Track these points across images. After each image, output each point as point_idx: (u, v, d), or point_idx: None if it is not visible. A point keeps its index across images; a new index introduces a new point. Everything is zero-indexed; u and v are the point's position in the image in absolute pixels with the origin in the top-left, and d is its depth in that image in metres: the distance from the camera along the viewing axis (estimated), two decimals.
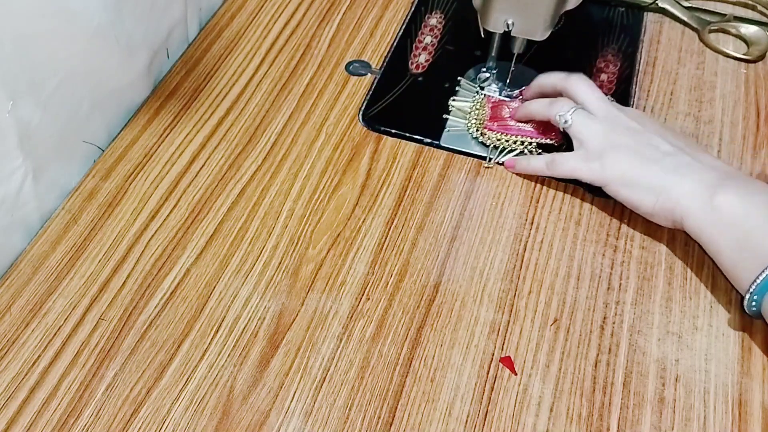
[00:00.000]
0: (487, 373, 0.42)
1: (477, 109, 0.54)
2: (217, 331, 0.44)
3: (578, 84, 0.49)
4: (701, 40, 0.61)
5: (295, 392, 0.42)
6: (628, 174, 0.45)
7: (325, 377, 0.42)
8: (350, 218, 0.50)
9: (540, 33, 0.50)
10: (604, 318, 0.45)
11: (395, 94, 0.58)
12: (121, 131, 0.56)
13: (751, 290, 0.41)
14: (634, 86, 0.57)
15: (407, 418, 0.41)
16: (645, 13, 0.64)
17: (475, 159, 0.53)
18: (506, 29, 0.50)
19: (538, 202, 0.51)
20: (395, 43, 0.62)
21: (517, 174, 0.52)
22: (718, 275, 0.46)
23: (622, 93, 0.57)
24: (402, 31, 0.63)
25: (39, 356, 0.43)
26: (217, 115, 0.57)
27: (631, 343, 0.43)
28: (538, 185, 0.52)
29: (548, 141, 0.51)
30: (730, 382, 0.42)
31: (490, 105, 0.54)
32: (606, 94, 0.49)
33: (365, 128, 0.56)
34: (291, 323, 0.45)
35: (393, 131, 0.55)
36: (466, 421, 0.41)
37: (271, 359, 0.43)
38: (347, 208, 0.50)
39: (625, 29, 0.63)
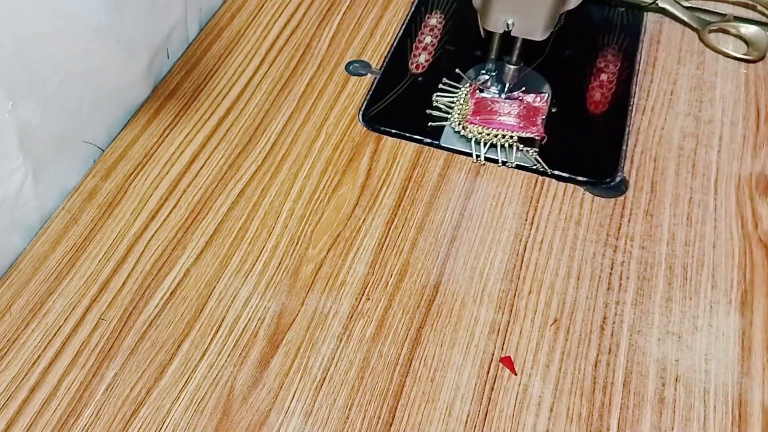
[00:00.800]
0: (487, 373, 0.42)
1: (461, 104, 0.55)
2: (217, 331, 0.44)
3: None
4: (701, 40, 0.61)
5: (295, 392, 0.42)
6: None
7: (325, 377, 0.42)
8: (350, 218, 0.50)
9: (540, 33, 0.50)
10: (604, 318, 0.45)
11: (395, 94, 0.58)
12: (121, 131, 0.56)
13: None
14: (634, 86, 0.57)
15: (407, 418, 0.41)
16: (645, 13, 0.64)
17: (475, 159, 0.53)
18: (506, 29, 0.50)
19: (538, 202, 0.51)
20: (395, 43, 0.62)
21: (517, 173, 0.52)
22: (718, 275, 0.46)
23: (622, 93, 0.57)
24: (402, 31, 0.63)
25: (39, 356, 0.43)
26: (217, 115, 0.57)
27: (631, 343, 0.43)
28: (538, 185, 0.52)
29: (529, 135, 0.52)
30: (730, 382, 0.42)
31: (473, 100, 0.54)
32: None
33: (365, 128, 0.56)
34: (291, 323, 0.45)
35: (393, 131, 0.55)
36: (466, 421, 0.41)
37: (271, 359, 0.43)
38: (347, 208, 0.50)
39: (625, 29, 0.63)
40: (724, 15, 0.63)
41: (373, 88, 0.58)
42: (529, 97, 0.54)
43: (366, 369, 0.43)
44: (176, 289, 0.46)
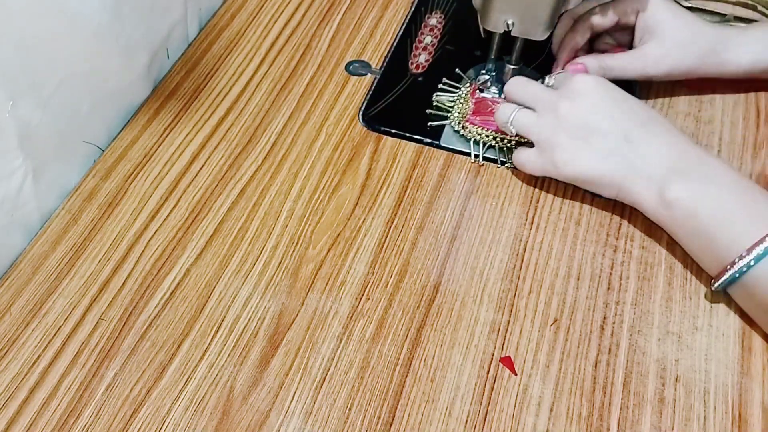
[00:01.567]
0: (487, 373, 0.42)
1: (461, 103, 0.55)
2: (217, 331, 0.44)
3: (510, 88, 0.50)
4: None
5: (295, 392, 0.42)
6: (584, 175, 0.46)
7: (325, 377, 0.42)
8: (350, 218, 0.50)
9: (540, 33, 0.50)
10: (604, 318, 0.45)
11: (395, 94, 0.58)
12: (121, 131, 0.56)
13: (714, 286, 0.44)
14: (634, 86, 0.57)
15: (407, 418, 0.41)
16: None
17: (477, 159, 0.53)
18: (506, 29, 0.50)
19: (538, 202, 0.51)
20: (395, 43, 0.62)
21: (517, 173, 0.52)
22: None
23: None
24: (402, 31, 0.63)
25: (39, 356, 0.43)
26: (217, 115, 0.57)
27: (631, 343, 0.43)
28: (538, 185, 0.52)
29: (526, 140, 0.52)
30: (730, 382, 0.42)
31: (473, 100, 0.54)
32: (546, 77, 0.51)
33: (365, 128, 0.56)
34: (291, 323, 0.45)
35: (393, 131, 0.55)
36: (466, 421, 0.41)
37: (271, 359, 0.43)
38: (347, 208, 0.50)
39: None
40: (725, 15, 0.63)
41: (373, 88, 0.58)
42: None
43: (366, 369, 0.43)
44: (176, 289, 0.46)
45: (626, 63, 0.52)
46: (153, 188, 0.52)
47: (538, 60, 0.58)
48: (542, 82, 0.51)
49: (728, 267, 0.42)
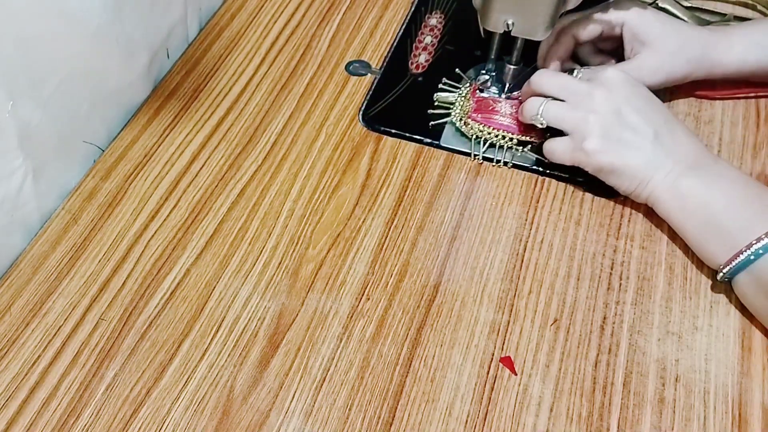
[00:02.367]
0: (487, 373, 0.42)
1: (462, 101, 0.55)
2: (217, 331, 0.44)
3: (538, 79, 0.50)
4: None
5: (295, 392, 0.42)
6: (613, 165, 0.47)
7: (325, 377, 0.42)
8: (350, 218, 0.50)
9: (540, 33, 0.50)
10: (604, 318, 0.45)
11: (395, 94, 0.58)
12: (121, 131, 0.56)
13: (723, 271, 0.44)
14: None
15: (407, 418, 0.41)
16: None
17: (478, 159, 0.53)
18: (506, 29, 0.50)
19: (538, 202, 0.51)
20: (395, 43, 0.62)
21: (517, 173, 0.52)
22: None
23: None
24: (402, 31, 0.63)
25: (39, 356, 0.43)
26: (217, 115, 0.57)
27: (631, 343, 0.43)
28: (538, 185, 0.52)
29: (528, 138, 0.52)
30: (730, 382, 0.42)
31: (475, 98, 0.54)
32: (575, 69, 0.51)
33: (365, 128, 0.56)
34: (291, 323, 0.45)
35: (393, 131, 0.55)
36: (466, 421, 0.41)
37: (271, 359, 0.43)
38: (347, 208, 0.50)
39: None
40: (725, 15, 0.63)
41: (373, 88, 0.58)
42: None
43: (366, 369, 0.43)
44: (176, 289, 0.46)
45: None
46: (153, 188, 0.52)
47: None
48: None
49: (742, 250, 0.42)
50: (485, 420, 0.41)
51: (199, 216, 0.50)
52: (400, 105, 0.57)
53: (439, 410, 0.41)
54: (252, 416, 0.41)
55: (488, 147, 0.53)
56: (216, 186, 0.52)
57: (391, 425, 0.41)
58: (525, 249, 0.48)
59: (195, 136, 0.55)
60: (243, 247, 0.48)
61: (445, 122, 0.55)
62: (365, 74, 0.60)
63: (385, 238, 0.49)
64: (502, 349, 0.43)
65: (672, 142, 0.46)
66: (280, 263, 0.48)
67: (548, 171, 0.52)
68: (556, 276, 0.47)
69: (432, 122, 0.55)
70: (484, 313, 0.45)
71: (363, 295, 0.46)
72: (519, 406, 0.41)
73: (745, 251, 0.42)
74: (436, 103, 0.56)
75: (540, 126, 0.49)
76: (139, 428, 0.40)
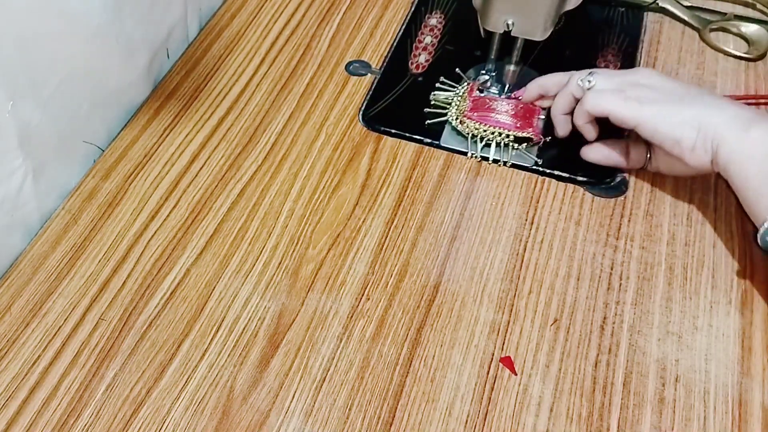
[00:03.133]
0: (487, 373, 0.42)
1: (459, 101, 0.55)
2: (217, 331, 0.44)
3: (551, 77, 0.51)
4: (702, 39, 0.61)
5: (295, 392, 0.42)
6: (667, 109, 0.46)
7: (325, 377, 0.42)
8: (350, 218, 0.50)
9: (540, 33, 0.50)
10: (604, 318, 0.45)
11: (395, 94, 0.58)
12: (121, 131, 0.56)
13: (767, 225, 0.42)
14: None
15: (407, 418, 0.41)
16: (645, 13, 0.64)
17: (479, 159, 0.53)
18: (506, 29, 0.50)
19: (538, 202, 0.51)
20: (395, 43, 0.62)
21: (517, 173, 0.52)
22: (718, 275, 0.46)
23: None
24: (402, 31, 0.63)
25: (39, 356, 0.43)
26: (217, 115, 0.57)
27: (631, 343, 0.43)
28: (538, 185, 0.52)
29: (526, 134, 0.52)
30: (730, 382, 0.42)
31: (471, 98, 0.54)
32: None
33: (365, 128, 0.56)
34: (291, 323, 0.45)
35: (393, 131, 0.55)
36: (466, 421, 0.41)
37: (271, 359, 0.43)
38: (347, 208, 0.50)
39: (625, 29, 0.63)
40: (725, 14, 0.63)
41: (373, 88, 0.58)
42: None
43: (366, 369, 0.43)
44: (176, 289, 0.46)
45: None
46: (153, 188, 0.52)
47: (538, 60, 0.58)
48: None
49: None
50: (485, 420, 0.41)
51: (199, 216, 0.50)
52: (400, 105, 0.57)
53: (439, 410, 0.41)
54: (252, 416, 0.41)
55: (486, 146, 0.53)
56: (216, 186, 0.52)
57: (391, 425, 0.41)
58: (525, 249, 0.48)
59: (195, 136, 0.55)
60: (243, 247, 0.48)
61: (442, 122, 0.55)
62: (365, 74, 0.60)
63: (385, 238, 0.49)
64: (502, 349, 0.43)
65: (723, 101, 0.46)
66: (280, 263, 0.48)
67: (548, 171, 0.52)
68: (556, 276, 0.47)
69: (428, 121, 0.55)
70: (484, 313, 0.45)
71: (363, 295, 0.46)
72: (519, 406, 0.41)
73: None
74: (432, 103, 0.56)
75: (586, 87, 0.48)
76: (139, 428, 0.40)
